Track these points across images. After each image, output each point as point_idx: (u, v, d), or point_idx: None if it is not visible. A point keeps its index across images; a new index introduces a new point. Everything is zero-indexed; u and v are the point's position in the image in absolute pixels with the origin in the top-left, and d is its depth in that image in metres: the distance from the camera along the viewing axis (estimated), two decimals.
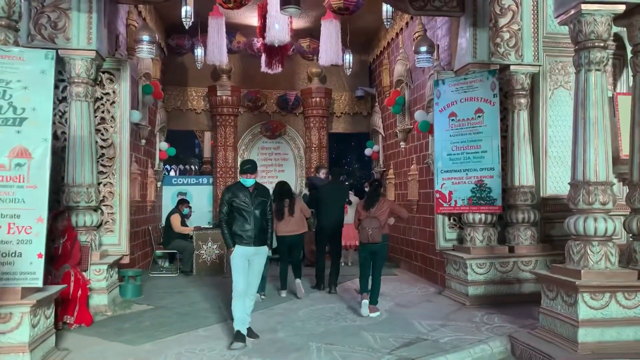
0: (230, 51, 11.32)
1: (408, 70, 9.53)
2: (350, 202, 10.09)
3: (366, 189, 10.92)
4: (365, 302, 6.10)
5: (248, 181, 5.19)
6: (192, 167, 22.70)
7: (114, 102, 6.69)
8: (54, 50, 4.50)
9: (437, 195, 7.27)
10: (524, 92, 6.98)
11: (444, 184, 7.21)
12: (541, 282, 5.10)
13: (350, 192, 10.61)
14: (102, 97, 6.66)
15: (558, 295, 4.79)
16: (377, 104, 11.68)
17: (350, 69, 10.90)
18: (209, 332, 5.39)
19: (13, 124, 3.86)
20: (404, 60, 9.64)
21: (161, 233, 9.66)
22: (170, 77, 11.60)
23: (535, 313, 5.82)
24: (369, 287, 6.21)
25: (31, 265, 3.86)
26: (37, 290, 4.04)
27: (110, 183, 6.65)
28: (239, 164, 11.28)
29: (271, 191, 6.08)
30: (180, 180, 11.76)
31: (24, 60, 3.95)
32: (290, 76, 11.95)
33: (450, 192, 7.15)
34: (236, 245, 5.09)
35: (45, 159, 3.95)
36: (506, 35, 6.99)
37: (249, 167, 5.21)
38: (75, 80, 6.17)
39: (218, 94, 11.26)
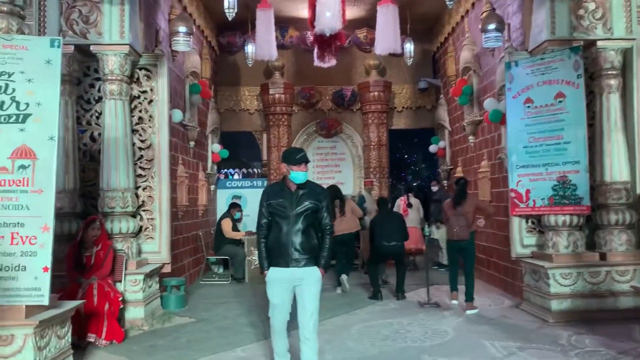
0: (282, 47, 10.90)
1: (476, 56, 8.63)
2: (410, 205, 9.53)
3: (434, 188, 10.19)
4: (455, 302, 6.63)
5: (300, 175, 3.72)
6: (255, 170, 22.58)
7: (152, 101, 6.32)
8: (60, 38, 4.10)
9: (513, 194, 6.36)
10: (615, 72, 5.98)
11: (520, 181, 6.30)
12: None
13: (409, 194, 9.87)
14: (139, 96, 6.32)
15: None
16: (442, 95, 10.81)
17: (412, 59, 10.14)
18: (247, 353, 4.84)
19: (16, 121, 3.48)
20: (471, 45, 8.74)
21: (213, 238, 9.27)
22: (222, 76, 11.33)
23: (636, 334, 4.88)
24: (458, 284, 6.67)
25: (36, 281, 3.45)
26: (46, 308, 3.62)
27: (150, 187, 6.28)
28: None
29: None
30: (234, 184, 11.39)
31: (27, 50, 3.57)
32: (346, 70, 11.32)
33: (528, 191, 6.23)
34: (270, 268, 3.79)
35: (52, 159, 3.54)
36: (591, 6, 6.03)
37: (303, 154, 3.78)
38: (109, 77, 5.85)
39: (270, 92, 10.82)
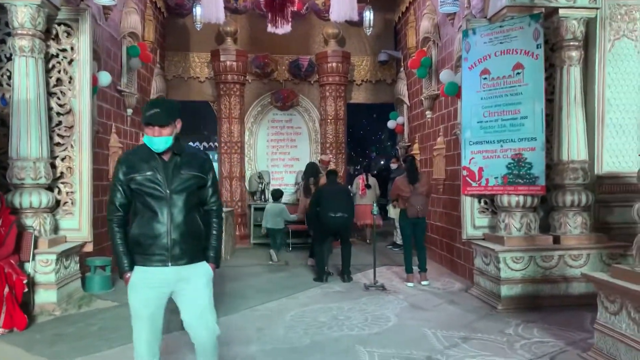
0: (235, 11, 10.31)
1: (435, 26, 8.16)
2: (369, 186, 9.22)
3: (393, 166, 9.78)
4: (411, 284, 6.49)
5: (156, 141, 2.63)
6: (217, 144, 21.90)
7: (72, 61, 5.66)
8: None
9: (465, 172, 5.98)
10: (577, 44, 5.59)
11: (472, 158, 5.91)
12: (597, 288, 3.81)
13: (368, 174, 9.48)
14: (57, 54, 5.65)
15: (623, 308, 3.51)
16: (402, 69, 10.33)
17: (371, 29, 9.58)
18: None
19: None
20: (431, 14, 8.26)
21: None
22: (171, 41, 10.59)
23: (587, 322, 4.58)
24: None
25: None
26: None
27: (69, 157, 5.66)
28: (246, 136, 10.30)
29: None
30: None
31: None
32: (304, 39, 10.72)
33: (481, 169, 5.86)
34: (136, 268, 2.71)
35: None
36: None
37: (157, 111, 2.63)
38: (19, 31, 5.17)
39: (221, 59, 10.13)
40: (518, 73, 5.57)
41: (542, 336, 4.43)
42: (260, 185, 10.22)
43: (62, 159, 5.65)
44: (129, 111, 8.12)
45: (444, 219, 7.79)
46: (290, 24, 8.85)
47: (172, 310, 2.92)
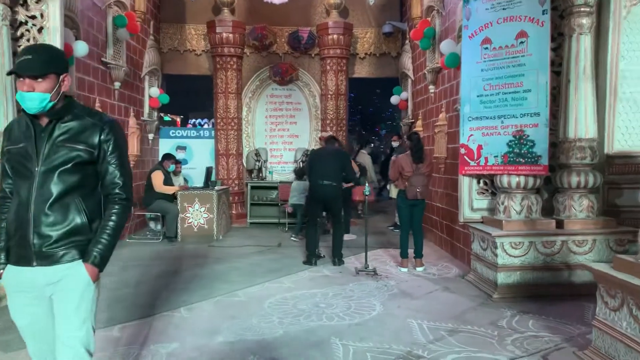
0: None
1: None
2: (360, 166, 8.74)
3: (394, 144, 9.35)
4: (405, 269, 6.14)
5: (27, 97, 2.02)
6: None
7: (42, 28, 5.29)
8: None
9: (463, 150, 5.56)
10: (588, 9, 5.08)
11: (471, 135, 5.48)
12: (598, 281, 3.41)
13: (363, 152, 8.98)
14: (26, 21, 5.28)
15: (624, 305, 3.11)
16: (407, 41, 9.80)
17: None
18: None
19: None
20: None
21: (143, 192, 8.37)
22: (166, 12, 10.19)
23: (589, 315, 4.21)
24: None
25: None
26: None
27: None
28: (243, 112, 9.91)
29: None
30: (178, 133, 10.42)
31: None
32: (304, 9, 10.24)
33: (480, 147, 5.43)
34: (8, 267, 2.17)
35: None
36: None
37: (28, 58, 2.01)
38: None
39: (217, 31, 9.68)
40: (522, 42, 5.09)
41: (537, 330, 4.06)
42: (257, 163, 9.86)
43: None
44: (117, 84, 7.79)
45: (445, 200, 7.38)
46: None
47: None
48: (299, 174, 8.74)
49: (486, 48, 5.34)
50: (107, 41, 7.45)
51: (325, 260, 6.62)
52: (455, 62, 6.18)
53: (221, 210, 8.38)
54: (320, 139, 8.88)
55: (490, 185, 5.63)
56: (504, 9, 5.20)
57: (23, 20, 5.27)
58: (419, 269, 6.16)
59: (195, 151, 10.40)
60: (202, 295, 4.98)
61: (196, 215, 8.02)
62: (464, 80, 5.54)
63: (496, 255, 5.06)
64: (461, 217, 5.70)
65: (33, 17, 5.29)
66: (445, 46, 6.40)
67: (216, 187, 8.38)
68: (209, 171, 8.38)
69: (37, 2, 5.28)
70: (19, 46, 5.25)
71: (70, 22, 6.08)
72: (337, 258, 6.40)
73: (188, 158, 10.36)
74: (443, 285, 5.49)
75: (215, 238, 8.05)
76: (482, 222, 5.57)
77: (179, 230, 7.98)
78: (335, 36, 9.82)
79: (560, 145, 5.25)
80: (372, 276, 5.85)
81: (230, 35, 9.70)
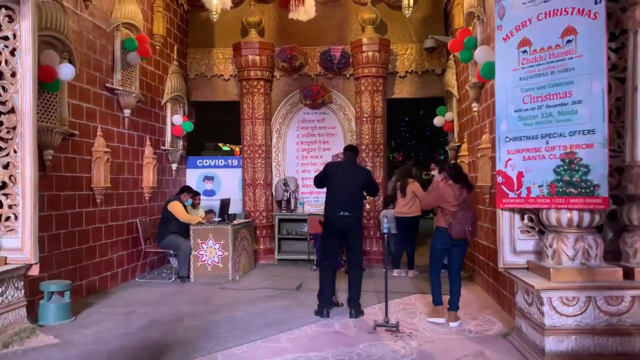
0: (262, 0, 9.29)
1: None
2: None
3: (433, 173, 8.48)
4: (440, 320, 5.17)
5: None
6: None
7: (15, 50, 4.82)
8: None
9: (500, 178, 4.50)
10: None
11: (510, 159, 4.43)
12: None
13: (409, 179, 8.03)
14: None
15: None
16: (451, 56, 8.81)
17: (411, 9, 8.21)
18: None
19: None
20: None
21: (158, 225, 7.80)
22: (193, 37, 9.78)
23: None
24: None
25: None
26: None
27: (12, 163, 4.83)
28: (273, 138, 9.28)
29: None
30: (206, 162, 9.88)
31: None
32: (338, 28, 9.51)
33: (520, 174, 4.36)
34: None
35: None
36: None
37: None
38: None
39: (243, 53, 9.14)
40: (569, 41, 4.04)
41: None
42: (285, 194, 9.10)
43: (4, 167, 4.84)
44: (127, 112, 7.32)
45: (491, 237, 6.25)
46: (314, 7, 7.74)
47: None
48: (387, 200, 8.27)
49: (524, 51, 4.32)
50: (115, 66, 7.01)
51: (343, 309, 5.66)
52: (492, 71, 5.16)
53: (239, 247, 7.64)
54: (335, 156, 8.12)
55: (537, 222, 4.52)
56: (545, 1, 4.18)
57: None
58: (453, 324, 5.15)
59: (224, 181, 9.80)
60: (173, 357, 4.18)
61: (210, 252, 7.33)
62: (499, 93, 4.52)
63: (543, 313, 3.94)
64: (501, 261, 4.61)
65: (5, 39, 4.84)
66: (480, 54, 5.43)
67: (234, 221, 7.66)
68: (224, 203, 7.70)
69: (9, 22, 4.84)
70: None
71: (59, 44, 5.63)
72: (354, 308, 5.43)
73: (216, 189, 9.79)
74: (477, 349, 4.39)
75: (231, 278, 7.29)
76: (526, 269, 4.46)
77: (191, 269, 7.30)
78: (370, 53, 9.00)
79: (627, 171, 4.11)
80: (393, 333, 4.84)
81: (257, 57, 9.13)
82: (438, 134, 22.69)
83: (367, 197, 6.21)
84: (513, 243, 4.57)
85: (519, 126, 4.34)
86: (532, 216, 4.53)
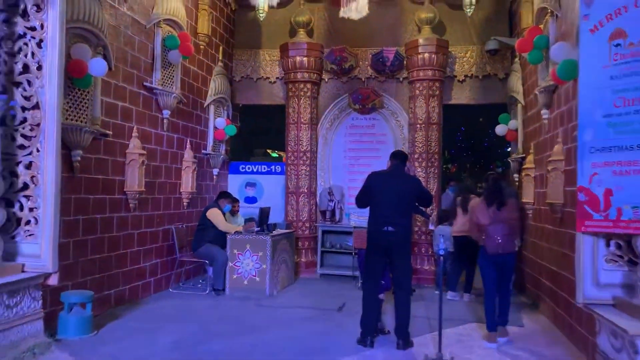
0: None
1: None
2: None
3: (450, 191, 8.19)
4: (493, 345, 4.94)
5: None
6: None
7: (42, 41, 4.50)
8: None
9: (582, 196, 3.79)
10: None
11: (595, 174, 3.72)
12: None
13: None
14: (25, 34, 4.52)
15: None
16: (516, 59, 8.05)
17: (473, 7, 7.56)
18: None
19: None
20: None
21: (194, 234, 7.41)
22: (240, 38, 9.44)
23: None
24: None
25: None
26: None
27: (34, 163, 4.49)
28: (319, 145, 8.77)
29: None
30: (248, 168, 9.48)
31: None
32: (392, 28, 8.91)
33: (609, 192, 3.65)
34: None
35: None
36: None
37: None
38: None
39: (290, 55, 8.69)
40: None
41: None
42: (330, 204, 8.57)
43: (27, 166, 4.51)
44: (166, 113, 6.97)
45: (561, 261, 5.48)
46: (367, 5, 7.21)
47: None
48: (443, 216, 7.64)
49: (618, 45, 3.62)
50: (154, 64, 6.67)
51: (389, 338, 5.02)
52: (572, 71, 4.45)
53: (278, 259, 7.15)
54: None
55: (627, 250, 3.77)
56: None
57: (22, 33, 4.52)
58: (502, 339, 5.04)
59: (266, 188, 9.37)
60: None
61: (247, 264, 6.86)
62: (584, 95, 3.82)
63: None
64: (580, 295, 3.88)
65: (32, 29, 4.52)
66: (558, 51, 4.71)
67: (274, 232, 7.17)
68: (263, 212, 7.22)
69: (37, 11, 4.52)
70: (16, 62, 4.50)
71: (94, 38, 5.31)
72: (401, 338, 4.78)
73: (258, 196, 9.38)
74: None
75: (268, 294, 6.79)
76: (613, 306, 3.72)
77: (226, 282, 6.86)
78: (426, 55, 8.35)
79: None
80: None
81: (305, 59, 8.66)
82: (496, 144, 21.70)
83: (420, 207, 5.66)
84: (596, 274, 3.84)
85: (609, 134, 3.63)
86: (621, 243, 3.79)
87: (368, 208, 5.07)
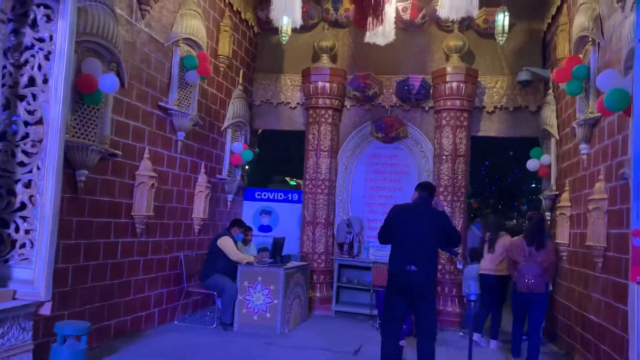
0: (336, 24, 8.82)
1: (596, 19, 5.56)
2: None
3: (475, 229, 8.32)
4: None
5: None
6: None
7: (50, 53, 4.25)
8: None
9: (637, 241, 3.34)
10: None
11: None
12: None
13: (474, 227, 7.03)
14: (33, 45, 4.28)
15: None
16: (550, 91, 7.68)
17: (505, 35, 7.24)
18: None
19: None
20: (591, 3, 5.69)
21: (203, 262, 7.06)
22: (262, 62, 9.24)
23: None
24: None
25: None
26: None
27: (34, 182, 4.19)
28: (338, 174, 8.46)
29: None
30: (264, 195, 9.16)
31: None
32: (419, 55, 8.64)
33: None
34: None
35: None
36: None
37: None
38: None
39: (312, 80, 8.45)
40: None
41: None
42: (348, 236, 8.18)
43: (25, 185, 4.22)
44: (181, 134, 6.71)
45: (603, 312, 4.97)
46: (393, 31, 6.96)
47: None
48: (474, 255, 7.27)
49: None
50: (171, 84, 6.45)
51: None
52: (622, 101, 4.05)
53: (291, 294, 6.73)
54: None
55: None
56: None
57: (29, 44, 4.29)
58: None
59: (282, 217, 9.04)
60: None
61: (258, 298, 6.47)
62: (638, 127, 3.41)
63: None
64: (634, 354, 3.39)
65: (41, 40, 4.29)
66: (605, 79, 4.30)
67: (288, 264, 6.79)
68: (277, 243, 6.82)
69: (47, 21, 4.29)
70: (22, 75, 4.26)
71: (107, 53, 5.08)
72: None
73: (273, 225, 9.04)
74: None
75: (280, 331, 6.36)
76: None
77: (235, 316, 6.46)
78: (454, 84, 8.03)
79: None
80: None
81: (327, 84, 8.41)
82: (521, 180, 21.14)
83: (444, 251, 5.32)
84: None
85: None
86: None
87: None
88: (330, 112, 8.52)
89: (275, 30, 8.20)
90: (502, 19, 7.19)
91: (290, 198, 9.15)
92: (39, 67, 4.27)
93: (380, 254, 8.02)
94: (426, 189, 4.90)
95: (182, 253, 6.86)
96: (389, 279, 4.66)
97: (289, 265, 6.84)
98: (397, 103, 8.62)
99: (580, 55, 5.99)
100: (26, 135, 4.24)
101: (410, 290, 4.49)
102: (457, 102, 8.08)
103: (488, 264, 6.68)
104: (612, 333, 4.63)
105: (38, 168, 4.22)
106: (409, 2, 8.24)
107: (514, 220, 23.46)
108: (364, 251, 8.31)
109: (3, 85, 4.11)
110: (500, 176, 20.03)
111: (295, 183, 19.46)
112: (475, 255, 7.26)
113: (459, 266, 7.49)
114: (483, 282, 6.61)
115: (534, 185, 21.69)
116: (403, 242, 4.56)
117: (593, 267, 5.25)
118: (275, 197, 9.16)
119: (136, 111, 5.82)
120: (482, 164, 19.13)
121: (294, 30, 7.58)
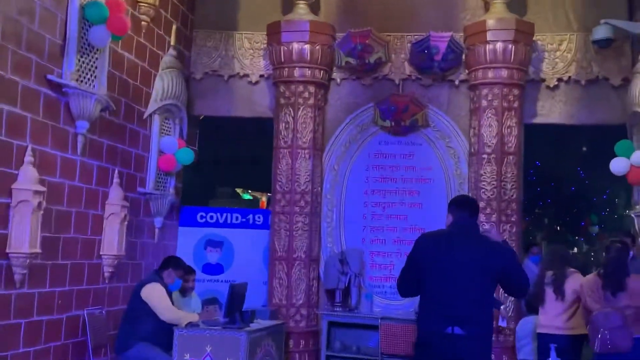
0: None
1: None
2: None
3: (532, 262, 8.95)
4: None
5: None
6: None
7: None
8: None
9: None
10: None
11: None
12: None
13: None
14: None
15: None
16: None
17: None
18: None
19: None
20: None
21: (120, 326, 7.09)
22: (203, 12, 9.49)
23: None
24: None
25: None
26: None
27: None
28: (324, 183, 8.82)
29: None
30: (211, 217, 9.34)
31: None
32: (444, 4, 9.01)
33: None
34: None
35: None
36: None
37: None
38: None
39: (283, 40, 8.56)
40: None
41: None
42: (343, 278, 8.35)
43: None
44: (82, 125, 6.61)
45: None
46: None
47: None
48: (529, 305, 7.44)
49: None
50: (67, 47, 6.36)
51: None
52: None
53: None
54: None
55: None
56: None
57: None
58: None
59: (239, 251, 9.27)
60: None
61: None
62: None
63: None
64: None
65: None
66: None
67: (252, 324, 6.83)
68: (234, 293, 6.83)
69: None
70: None
71: None
72: None
73: (225, 263, 9.25)
74: None
75: None
76: None
77: None
78: (499, 45, 8.22)
79: None
80: None
81: (306, 46, 8.60)
82: (590, 189, 21.51)
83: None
84: None
85: None
86: None
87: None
88: (311, 88, 8.70)
89: None
90: None
91: (251, 221, 9.41)
92: None
93: (391, 304, 8.32)
94: (467, 207, 4.94)
95: (86, 310, 6.83)
96: (418, 347, 4.71)
97: (254, 326, 6.84)
98: (413, 75, 8.89)
99: None
100: None
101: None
102: (505, 73, 8.29)
103: (553, 317, 6.71)
104: None
105: None
106: None
107: (574, 248, 24.00)
108: (365, 301, 8.44)
109: None
110: (558, 184, 20.43)
111: (250, 197, 19.55)
112: (530, 304, 7.36)
113: (503, 324, 7.59)
114: (545, 345, 6.65)
115: (606, 196, 22.16)
116: (439, 290, 4.56)
117: None
118: (228, 221, 9.44)
119: (11, 89, 5.67)
120: (531, 165, 19.37)
121: None
